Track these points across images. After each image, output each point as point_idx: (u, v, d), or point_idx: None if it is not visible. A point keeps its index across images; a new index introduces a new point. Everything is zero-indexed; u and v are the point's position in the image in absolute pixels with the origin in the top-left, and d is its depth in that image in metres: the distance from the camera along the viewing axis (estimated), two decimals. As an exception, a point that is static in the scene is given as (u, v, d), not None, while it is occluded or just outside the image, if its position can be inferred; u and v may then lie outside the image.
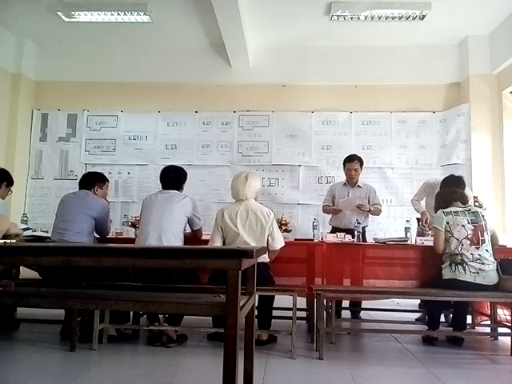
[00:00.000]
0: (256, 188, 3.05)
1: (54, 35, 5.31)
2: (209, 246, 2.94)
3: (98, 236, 3.27)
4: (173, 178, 3.22)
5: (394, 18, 4.60)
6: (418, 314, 3.83)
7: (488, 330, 3.36)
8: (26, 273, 3.13)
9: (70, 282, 2.52)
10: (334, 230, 3.84)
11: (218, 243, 2.94)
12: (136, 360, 2.66)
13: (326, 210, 4.20)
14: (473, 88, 5.03)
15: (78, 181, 3.39)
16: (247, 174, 3.07)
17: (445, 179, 3.65)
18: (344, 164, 4.12)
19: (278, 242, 2.98)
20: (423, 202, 4.08)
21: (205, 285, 2.92)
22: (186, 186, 3.33)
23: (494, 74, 5.02)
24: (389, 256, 3.37)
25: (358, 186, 4.08)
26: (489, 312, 3.38)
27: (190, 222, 3.14)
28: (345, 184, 4.14)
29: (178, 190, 3.19)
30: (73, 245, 2.38)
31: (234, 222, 2.92)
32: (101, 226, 3.21)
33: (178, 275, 2.82)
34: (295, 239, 3.55)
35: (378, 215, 4.12)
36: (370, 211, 3.95)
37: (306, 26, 4.94)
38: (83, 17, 4.71)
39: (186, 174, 3.30)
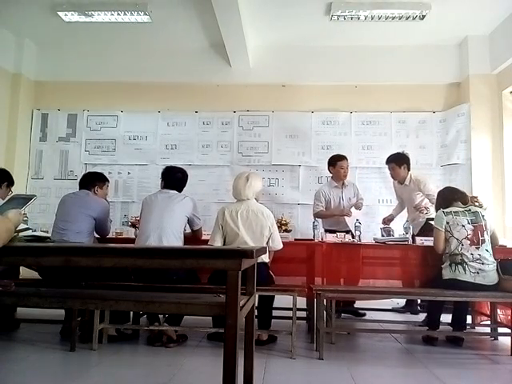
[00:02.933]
0: (257, 188, 3.05)
1: (54, 35, 5.31)
2: (209, 244, 2.95)
3: (98, 236, 3.27)
4: (179, 178, 3.22)
5: (394, 18, 4.60)
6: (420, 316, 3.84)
7: (488, 329, 3.36)
8: (26, 273, 3.13)
9: (70, 281, 2.52)
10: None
11: (218, 242, 2.95)
12: (136, 360, 2.66)
13: (322, 214, 4.02)
14: (473, 88, 5.03)
15: (78, 181, 3.40)
16: (248, 174, 3.08)
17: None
18: (333, 163, 4.07)
19: (277, 244, 3.00)
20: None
21: (205, 285, 2.92)
22: (186, 186, 3.33)
23: (493, 74, 5.01)
24: (389, 256, 3.37)
25: (346, 185, 4.10)
26: (489, 312, 3.38)
27: (189, 222, 3.14)
28: (336, 186, 4.09)
29: (180, 191, 3.19)
30: (73, 245, 2.38)
31: (235, 221, 2.92)
32: (101, 226, 3.21)
33: (178, 275, 2.82)
34: (295, 239, 3.55)
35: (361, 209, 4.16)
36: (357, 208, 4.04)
37: (306, 26, 4.94)
38: (83, 17, 4.70)
39: (188, 176, 3.31)
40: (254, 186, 3.02)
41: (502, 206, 4.83)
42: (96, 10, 4.59)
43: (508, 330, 3.07)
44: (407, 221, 3.80)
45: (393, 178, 4.02)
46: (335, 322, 3.12)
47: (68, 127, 5.54)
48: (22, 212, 1.34)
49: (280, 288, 2.90)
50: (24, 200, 1.36)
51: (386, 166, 4.06)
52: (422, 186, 3.80)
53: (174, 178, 3.21)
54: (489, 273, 2.89)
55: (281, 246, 3.01)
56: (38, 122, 5.55)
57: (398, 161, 3.91)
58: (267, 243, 2.95)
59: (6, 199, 1.40)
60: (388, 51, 5.26)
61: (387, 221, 4.08)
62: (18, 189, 3.48)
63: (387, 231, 3.69)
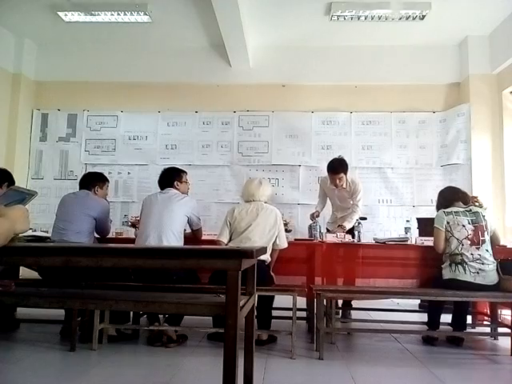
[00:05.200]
0: (268, 192, 3.23)
1: (54, 35, 5.31)
2: (216, 239, 3.08)
3: (98, 236, 3.27)
4: (163, 175, 3.28)
5: (394, 18, 4.60)
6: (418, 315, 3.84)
7: (488, 329, 3.36)
8: (26, 273, 3.13)
9: (70, 281, 2.52)
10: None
11: (224, 237, 3.06)
12: (136, 360, 2.66)
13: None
14: (473, 88, 5.03)
15: (79, 181, 3.40)
16: (260, 179, 3.27)
17: (329, 162, 3.94)
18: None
19: (284, 243, 3.09)
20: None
21: (205, 285, 2.92)
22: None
23: (494, 74, 5.01)
24: (389, 256, 3.37)
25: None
26: (489, 312, 3.38)
27: (189, 221, 3.15)
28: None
29: (172, 187, 3.19)
30: (73, 245, 2.38)
31: (243, 217, 3.04)
32: (101, 226, 3.21)
33: (178, 275, 2.82)
34: (295, 239, 3.55)
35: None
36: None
37: (306, 26, 4.93)
38: (83, 17, 4.71)
39: (178, 171, 3.30)
40: (266, 189, 3.21)
41: (502, 206, 4.82)
42: (96, 10, 4.59)
43: (508, 330, 3.06)
44: (408, 221, 3.80)
45: (335, 186, 3.90)
46: (335, 321, 3.13)
47: (68, 127, 5.53)
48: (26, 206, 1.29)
49: (280, 288, 2.91)
50: (22, 195, 1.31)
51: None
52: (356, 190, 3.88)
53: (162, 176, 3.28)
54: (489, 273, 2.89)
55: (286, 244, 3.11)
56: (38, 122, 5.55)
57: (345, 169, 3.85)
58: (274, 242, 3.03)
59: (3, 193, 1.34)
60: (388, 51, 5.26)
61: (316, 217, 3.97)
62: (17, 189, 3.48)
63: (315, 227, 3.73)
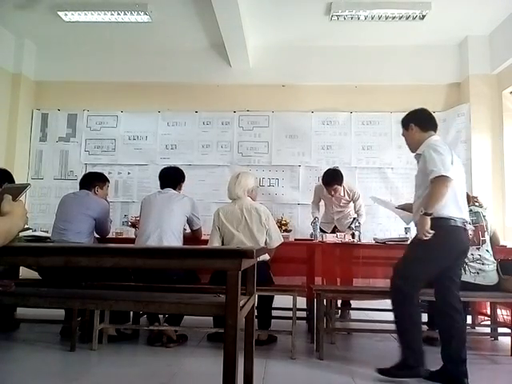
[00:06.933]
0: (247, 186, 3.04)
1: (54, 35, 5.30)
2: (208, 246, 2.94)
3: (98, 236, 3.27)
4: (171, 174, 3.27)
5: (394, 18, 4.60)
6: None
7: (488, 330, 3.36)
8: (26, 273, 3.13)
9: (70, 282, 2.52)
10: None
11: (216, 243, 2.95)
12: (136, 360, 2.66)
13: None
14: (473, 88, 5.03)
15: (79, 181, 3.40)
16: (239, 173, 3.13)
17: (323, 174, 3.92)
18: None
19: (275, 241, 2.96)
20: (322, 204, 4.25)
21: (205, 285, 2.92)
22: (185, 186, 3.34)
23: (494, 74, 5.01)
24: (389, 256, 3.36)
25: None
26: (489, 312, 3.38)
27: (189, 221, 3.15)
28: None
29: (175, 189, 3.20)
30: (73, 245, 2.38)
31: (230, 221, 2.95)
32: (101, 226, 3.21)
33: (178, 275, 2.82)
34: (295, 239, 3.55)
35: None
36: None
37: (306, 26, 4.93)
38: (83, 17, 4.70)
39: (183, 173, 3.32)
40: (244, 183, 3.03)
41: (502, 206, 4.82)
42: (96, 10, 4.59)
43: (508, 330, 3.06)
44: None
45: (331, 195, 3.91)
46: (335, 322, 3.12)
47: (68, 127, 5.53)
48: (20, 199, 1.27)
49: (280, 288, 2.91)
50: (17, 189, 1.29)
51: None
52: (356, 199, 3.97)
53: (167, 175, 3.25)
54: (489, 273, 2.89)
55: (279, 241, 2.97)
56: (38, 122, 5.54)
57: (340, 181, 3.83)
58: (265, 241, 2.93)
59: None
60: (388, 51, 5.26)
61: (314, 224, 3.92)
62: (17, 189, 3.49)
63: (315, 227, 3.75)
